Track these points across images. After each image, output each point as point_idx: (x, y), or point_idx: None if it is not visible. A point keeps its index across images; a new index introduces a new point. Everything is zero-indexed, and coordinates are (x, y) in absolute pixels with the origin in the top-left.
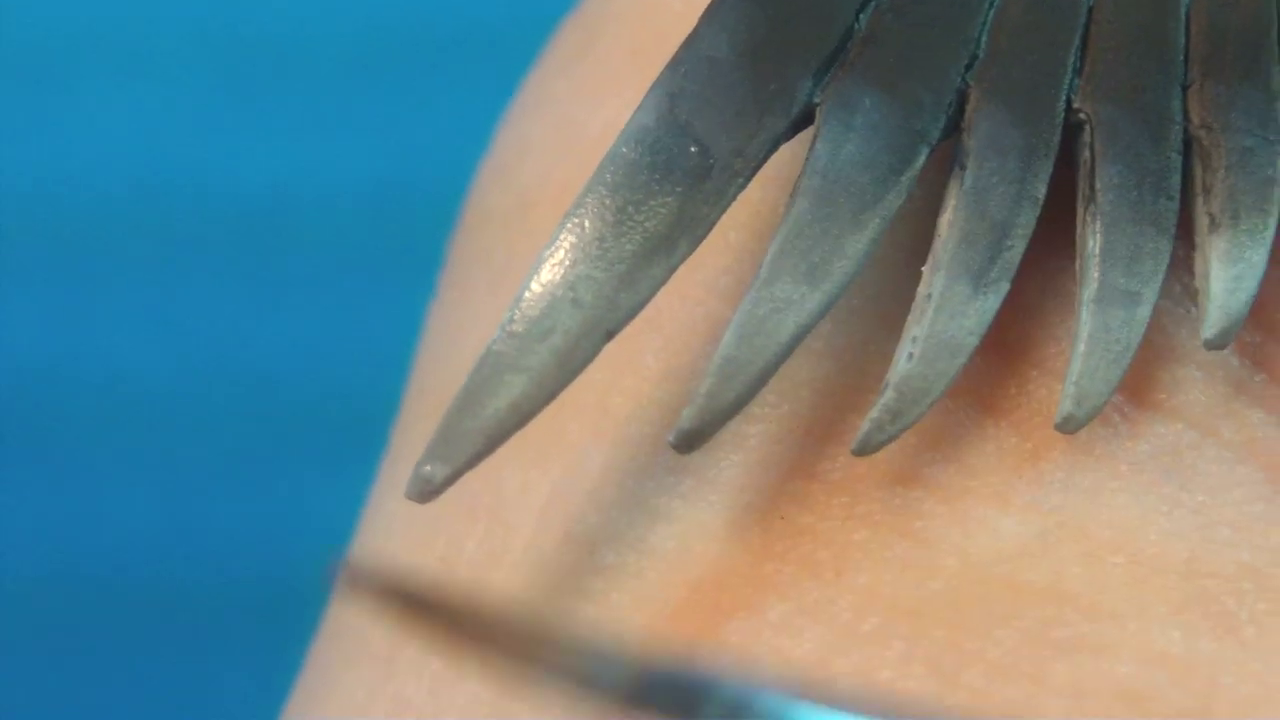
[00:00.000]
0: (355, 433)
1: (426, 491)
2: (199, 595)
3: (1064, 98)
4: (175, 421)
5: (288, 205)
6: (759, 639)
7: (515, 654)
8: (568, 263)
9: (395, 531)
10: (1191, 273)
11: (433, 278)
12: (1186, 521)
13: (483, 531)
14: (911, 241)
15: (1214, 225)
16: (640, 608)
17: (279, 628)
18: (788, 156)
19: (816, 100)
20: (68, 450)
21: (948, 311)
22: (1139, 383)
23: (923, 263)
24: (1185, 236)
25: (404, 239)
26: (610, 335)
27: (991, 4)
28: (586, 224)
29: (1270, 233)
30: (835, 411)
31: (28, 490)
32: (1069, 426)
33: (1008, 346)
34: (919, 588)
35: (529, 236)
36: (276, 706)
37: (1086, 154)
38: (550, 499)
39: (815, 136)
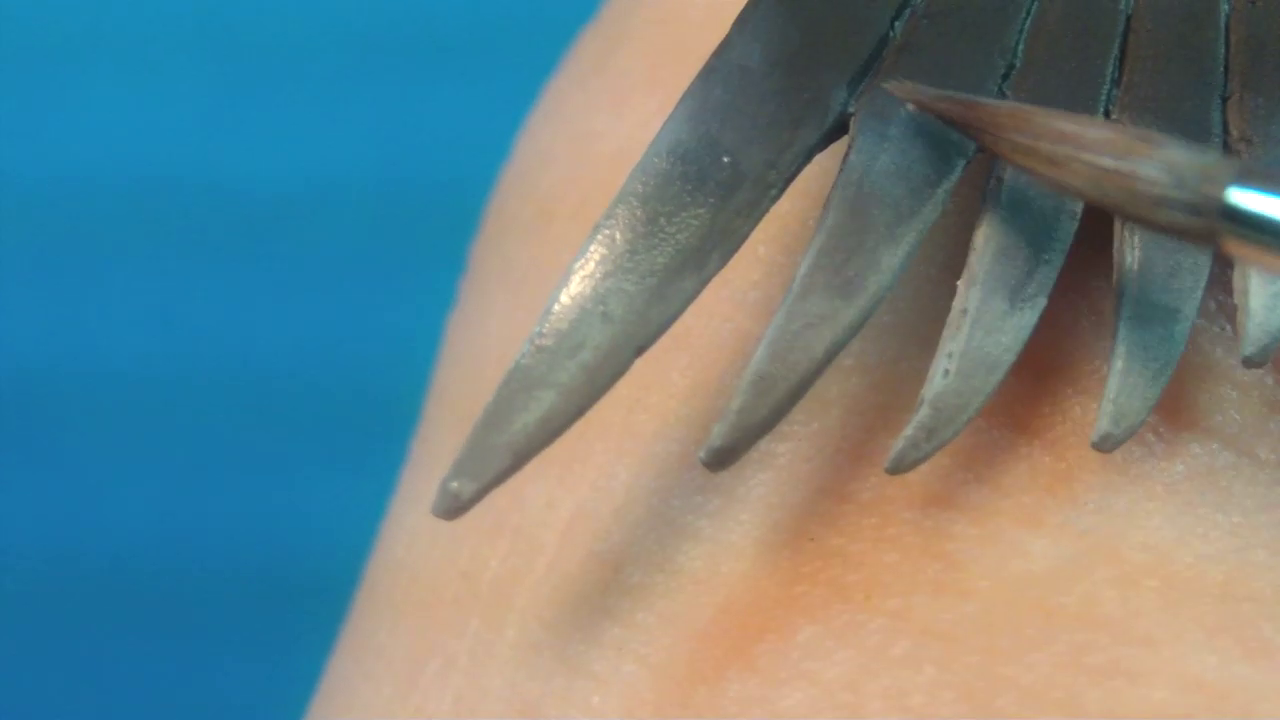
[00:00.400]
0: (370, 433)
1: (454, 508)
2: (212, 600)
3: (1102, 108)
4: (188, 421)
5: (308, 208)
6: (787, 661)
7: (1105, 157)
8: (598, 275)
9: (417, 545)
10: (1228, 290)
11: (451, 284)
12: (1222, 544)
13: (506, 548)
14: (944, 256)
15: None
16: (667, 629)
17: (290, 626)
18: (817, 170)
19: (851, 110)
20: (77, 449)
21: (984, 327)
22: (1175, 402)
23: (957, 277)
24: (1223, 253)
25: (423, 244)
26: (640, 351)
27: (1028, 13)
28: (617, 235)
29: None
30: (866, 430)
31: (35, 487)
32: (1106, 445)
33: (1042, 365)
34: (950, 611)
35: (549, 247)
36: (288, 713)
37: None
38: (575, 517)
39: (849, 147)
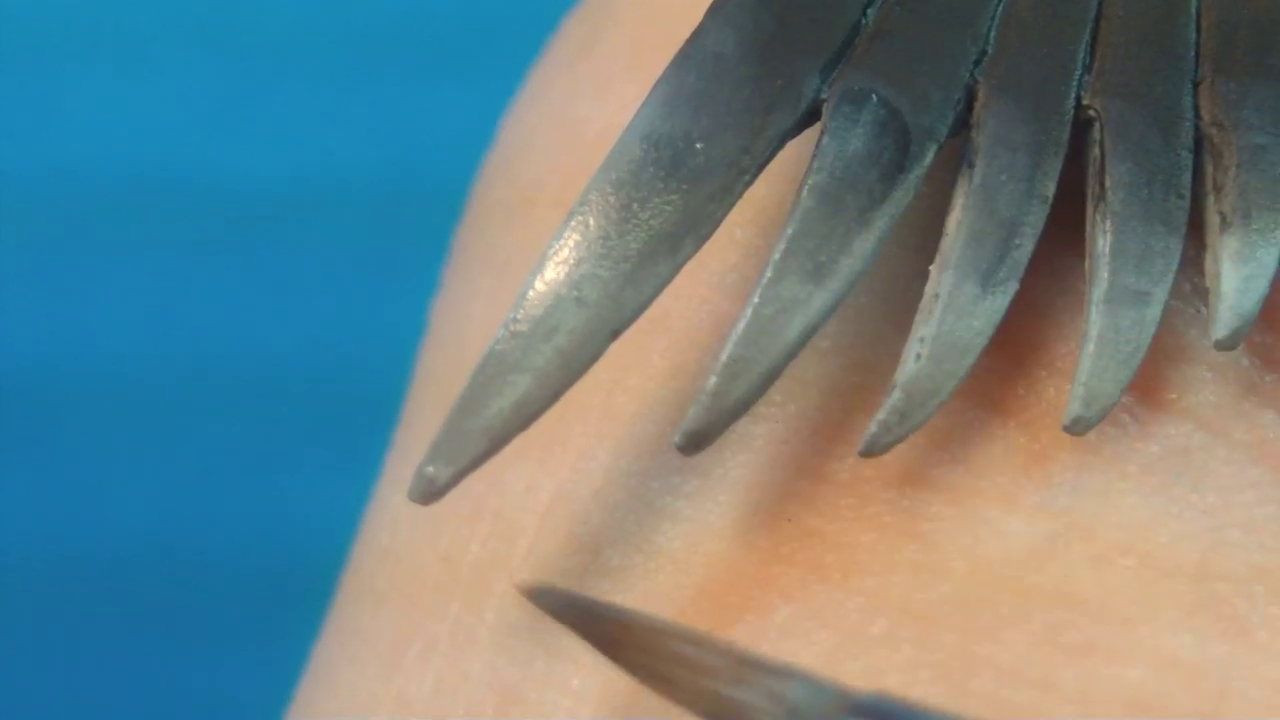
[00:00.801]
0: (355, 419)
1: (429, 492)
2: (201, 587)
3: (1074, 94)
4: (174, 406)
5: (291, 197)
6: (765, 641)
7: (711, 684)
8: (572, 261)
9: (399, 530)
10: (1202, 272)
11: (435, 270)
12: (1197, 523)
13: (486, 531)
14: (919, 240)
15: (1225, 224)
16: (646, 609)
17: (279, 612)
18: (793, 154)
19: (823, 96)
20: (64, 436)
21: (956, 311)
22: (1149, 383)
23: (930, 261)
24: (1195, 235)
25: (407, 231)
26: (615, 334)
27: None
28: (591, 222)
29: None
30: (842, 412)
31: (25, 476)
32: (1078, 428)
33: (1016, 346)
34: (927, 591)
35: (532, 231)
36: (276, 698)
37: (1096, 151)
38: (554, 499)
39: (822, 133)
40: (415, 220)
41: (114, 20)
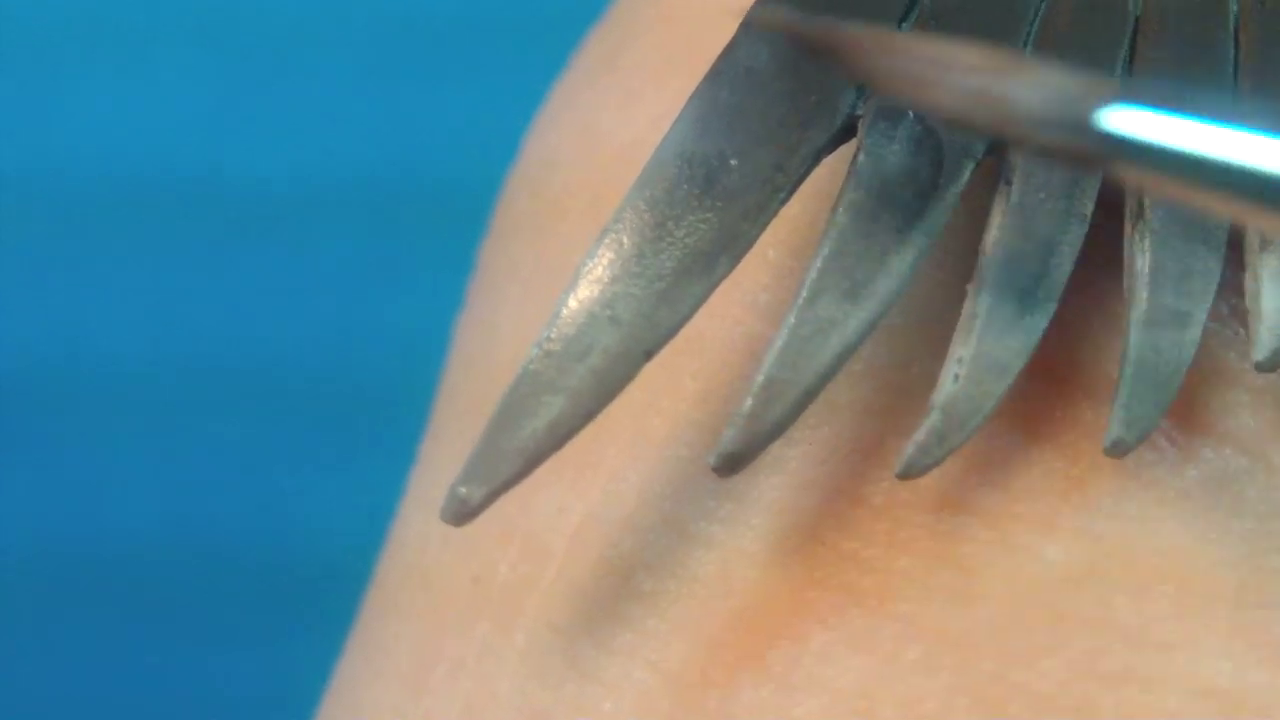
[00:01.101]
0: (379, 434)
1: (462, 513)
2: (222, 594)
3: None
4: (198, 421)
5: (316, 207)
6: (800, 667)
7: (975, 81)
8: (606, 279)
9: (428, 549)
10: (1240, 293)
11: (460, 282)
12: (1236, 549)
13: (516, 554)
14: (954, 260)
15: (1265, 243)
16: (680, 635)
17: (302, 626)
18: (826, 171)
19: (859, 113)
20: (87, 449)
21: (994, 332)
22: (1187, 406)
23: (967, 281)
24: (1234, 255)
25: (431, 242)
26: (649, 355)
27: (1037, 11)
28: (625, 240)
29: None
30: (877, 434)
31: (41, 484)
32: (1118, 451)
33: (1053, 368)
34: (964, 617)
35: (559, 246)
36: (296, 703)
37: None
38: (585, 522)
39: (858, 149)
40: (440, 235)
41: (131, 18)
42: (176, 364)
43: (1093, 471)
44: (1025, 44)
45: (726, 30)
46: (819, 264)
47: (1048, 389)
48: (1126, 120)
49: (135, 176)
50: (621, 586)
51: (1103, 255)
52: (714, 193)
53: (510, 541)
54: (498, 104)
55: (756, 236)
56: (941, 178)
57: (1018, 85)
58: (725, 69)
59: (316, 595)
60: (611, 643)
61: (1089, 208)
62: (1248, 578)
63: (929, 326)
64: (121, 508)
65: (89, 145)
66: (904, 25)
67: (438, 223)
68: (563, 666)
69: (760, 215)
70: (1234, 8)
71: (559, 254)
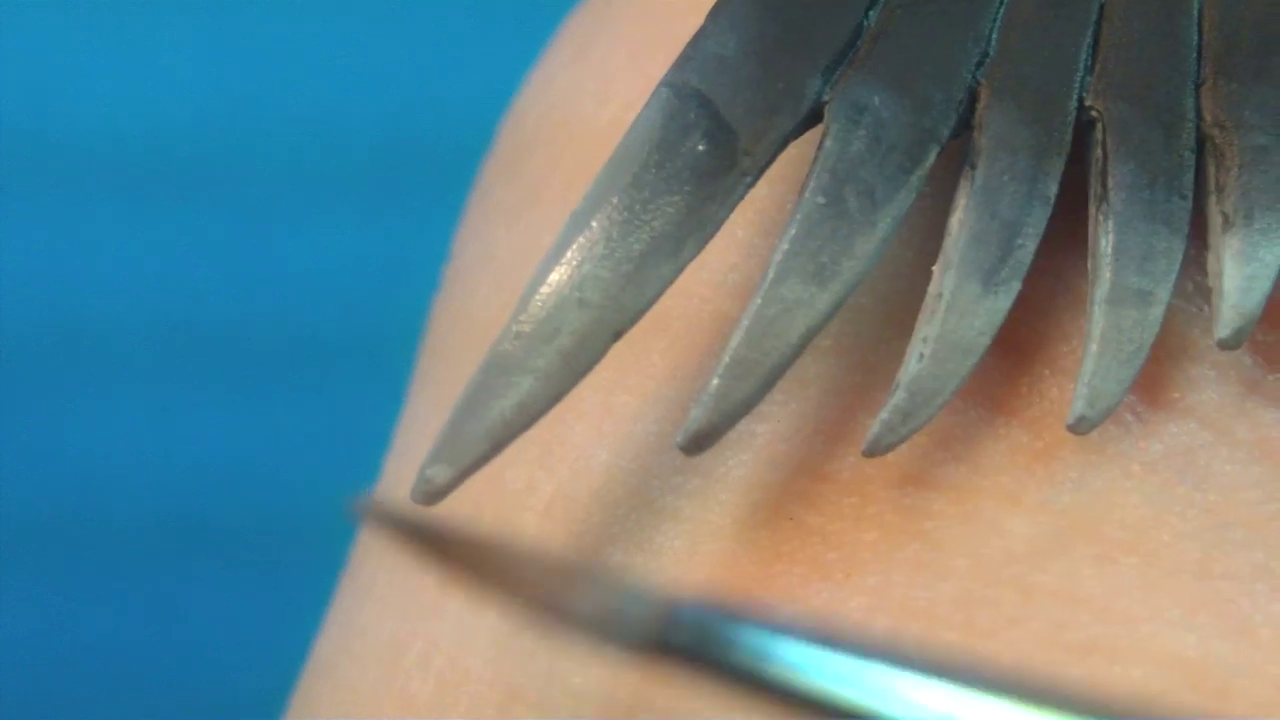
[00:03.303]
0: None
1: (431, 493)
2: (215, 527)
3: (1076, 95)
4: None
5: (292, 183)
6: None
7: (539, 592)
8: (574, 262)
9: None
10: (1204, 271)
11: (435, 266)
12: (1199, 522)
13: (487, 529)
14: (920, 240)
15: (1227, 224)
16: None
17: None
18: (794, 154)
19: (825, 98)
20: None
21: (958, 311)
22: (1152, 382)
23: (932, 261)
24: (1198, 235)
25: (407, 226)
26: (618, 335)
27: (1003, 1)
28: (594, 223)
29: None
30: (844, 411)
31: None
32: (1082, 427)
33: (1019, 346)
34: (930, 589)
35: (533, 233)
36: (274, 683)
37: (1098, 152)
38: (555, 499)
39: (824, 135)
40: (415, 219)
41: None
42: (158, 320)
43: (1057, 445)
44: (991, 31)
45: (701, 16)
46: (786, 245)
47: (1012, 366)
48: (685, 629)
49: (125, 132)
50: (591, 561)
51: (1065, 236)
52: (682, 177)
53: (480, 517)
54: (473, 90)
55: (724, 219)
56: (907, 161)
57: (582, 601)
58: (694, 55)
59: (301, 575)
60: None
61: (1053, 190)
62: (1211, 550)
63: (894, 306)
64: (107, 461)
65: (83, 101)
66: (871, 13)
67: (415, 211)
68: (533, 642)
69: (728, 199)
70: None
71: (533, 240)
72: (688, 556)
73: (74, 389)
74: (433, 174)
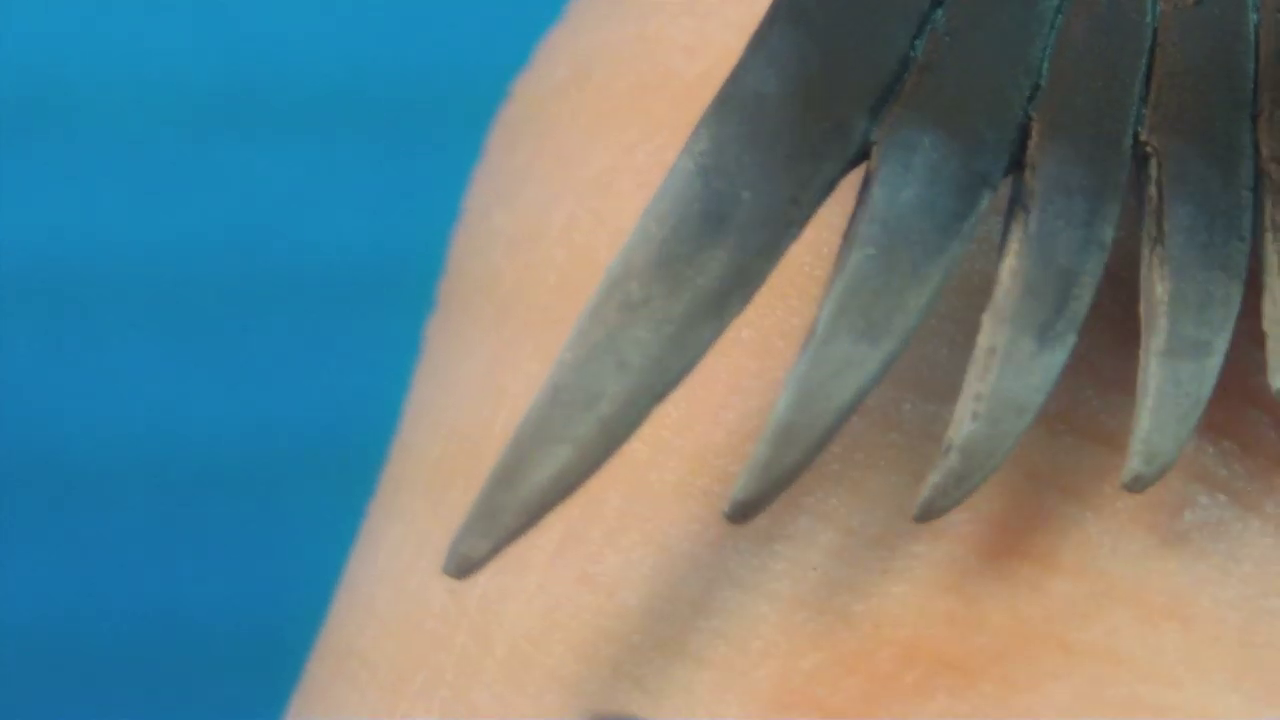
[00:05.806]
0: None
1: (465, 568)
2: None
3: (1131, 130)
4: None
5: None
6: (790, 687)
7: None
8: (612, 322)
9: (401, 556)
10: (1257, 315)
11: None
12: (1236, 590)
13: (494, 566)
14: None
15: None
16: (663, 652)
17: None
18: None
19: (873, 138)
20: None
21: (1013, 368)
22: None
23: (963, 307)
24: (1251, 278)
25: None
26: (659, 400)
27: (1053, 27)
28: (632, 281)
29: None
30: (868, 467)
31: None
32: (1138, 486)
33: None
34: (964, 642)
35: (530, 275)
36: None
37: (1153, 190)
38: (565, 538)
39: (870, 179)
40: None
41: None
42: (169, 262)
43: (1093, 511)
44: (1042, 60)
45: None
46: (833, 302)
47: (1039, 427)
48: None
49: (137, 72)
50: (604, 603)
51: (1112, 281)
52: (725, 229)
53: None
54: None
55: (768, 273)
56: (959, 207)
57: None
58: (733, 94)
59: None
60: (594, 656)
61: (1109, 235)
62: (1251, 619)
63: (916, 362)
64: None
65: (93, 37)
66: (917, 43)
67: (436, 140)
68: (543, 678)
69: (773, 252)
70: (1253, 18)
71: (526, 289)
72: (705, 603)
73: (83, 336)
74: (452, 118)
